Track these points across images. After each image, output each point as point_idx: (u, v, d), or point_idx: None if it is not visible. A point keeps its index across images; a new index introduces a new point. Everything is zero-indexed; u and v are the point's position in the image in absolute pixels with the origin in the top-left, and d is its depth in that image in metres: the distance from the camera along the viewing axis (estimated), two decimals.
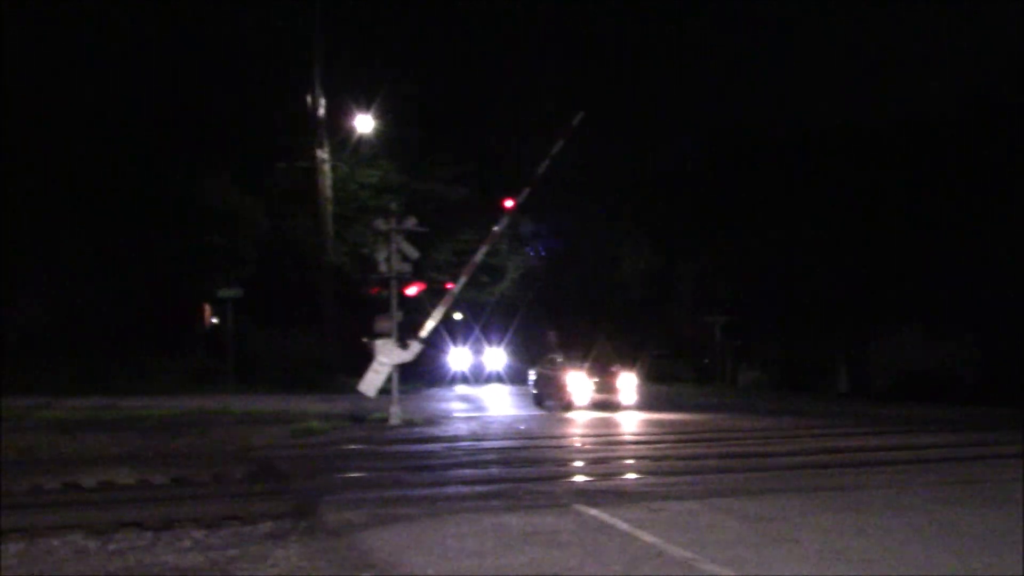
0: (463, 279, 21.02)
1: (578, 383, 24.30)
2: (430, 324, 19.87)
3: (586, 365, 25.06)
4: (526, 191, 20.68)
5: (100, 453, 14.42)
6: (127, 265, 31.44)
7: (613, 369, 25.37)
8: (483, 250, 20.95)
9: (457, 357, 38.90)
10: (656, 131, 43.21)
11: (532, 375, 28.30)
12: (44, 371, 26.98)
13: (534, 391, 27.77)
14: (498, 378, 39.02)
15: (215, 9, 31.42)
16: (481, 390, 33.83)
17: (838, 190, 33.68)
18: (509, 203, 21.36)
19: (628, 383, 24.86)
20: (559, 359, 26.35)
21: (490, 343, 41.07)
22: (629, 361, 27.37)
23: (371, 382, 19.26)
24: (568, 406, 24.08)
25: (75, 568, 7.35)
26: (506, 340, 41.26)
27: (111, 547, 8.12)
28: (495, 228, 21.19)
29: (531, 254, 40.05)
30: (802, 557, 7.05)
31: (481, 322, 39.41)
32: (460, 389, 33.89)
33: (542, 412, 24.74)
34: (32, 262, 32.05)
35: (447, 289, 20.92)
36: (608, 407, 24.19)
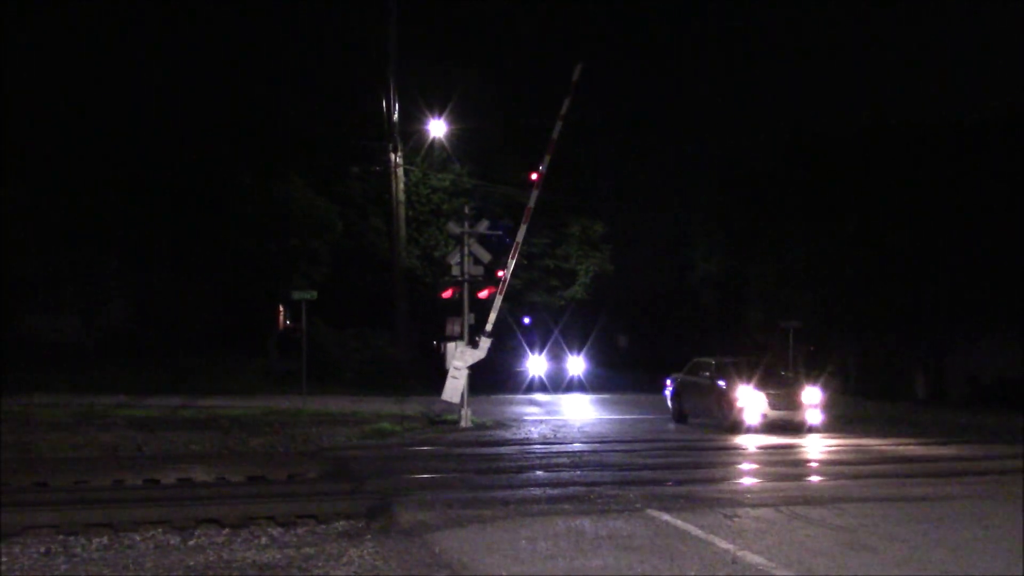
0: (511, 262, 20.53)
1: (749, 397, 19.26)
2: (492, 316, 19.79)
3: (757, 374, 19.93)
4: (547, 158, 20.24)
5: (179, 451, 14.74)
6: (206, 268, 32.14)
7: (792, 379, 20.82)
8: (523, 229, 20.44)
9: (535, 363, 35.91)
10: (729, 133, 42.75)
11: (669, 384, 22.82)
12: (127, 370, 27.71)
13: (673, 403, 22.43)
14: (580, 385, 35.78)
15: (292, 16, 32.04)
16: (561, 397, 31.18)
17: (918, 192, 32.91)
18: (534, 176, 20.73)
19: (814, 398, 19.74)
20: (715, 363, 21.24)
21: (570, 349, 37.77)
22: (811, 370, 23.87)
23: (453, 388, 19.30)
24: (734, 426, 19.13)
25: (156, 562, 7.52)
26: (587, 346, 38.54)
27: (191, 543, 8.31)
28: (528, 205, 20.52)
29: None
30: (880, 567, 6.91)
31: (559, 327, 37.59)
32: (538, 396, 31.36)
33: (677, 426, 21.38)
34: (116, 265, 33.04)
35: (498, 277, 20.46)
36: (789, 428, 19.30)
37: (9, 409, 18.95)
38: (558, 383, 35.12)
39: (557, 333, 36.99)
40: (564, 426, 20.38)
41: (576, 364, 37.11)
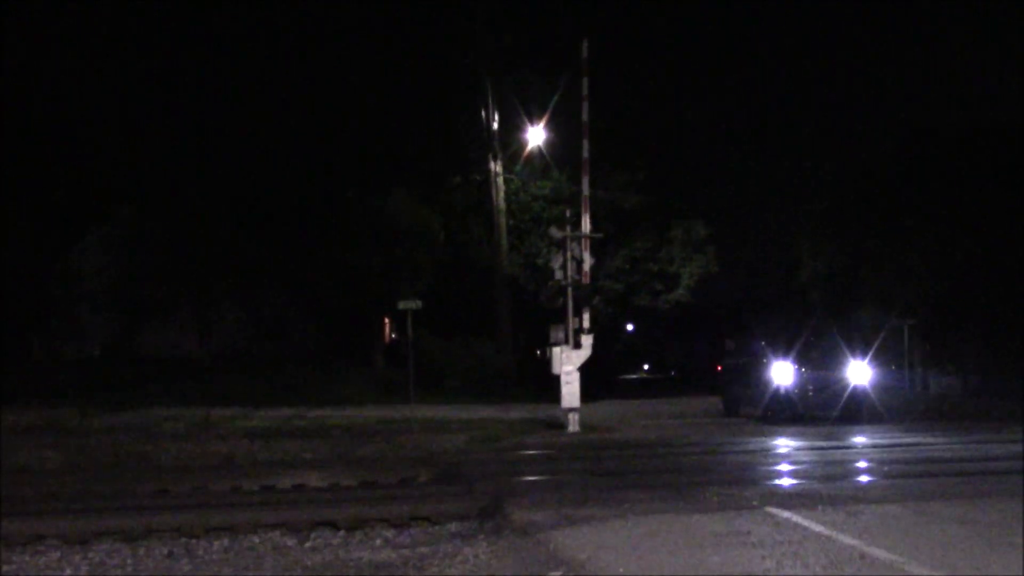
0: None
1: None
2: (587, 314, 19.73)
3: None
4: (585, 143, 20.05)
5: (292, 459, 14.98)
6: (314, 282, 32.80)
7: None
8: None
9: (780, 372, 21.53)
10: (839, 130, 41.62)
11: None
12: (240, 383, 28.41)
13: None
14: (870, 409, 21.76)
15: (392, 28, 32.44)
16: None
17: None
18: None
19: None
20: None
21: (852, 351, 22.16)
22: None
23: (571, 394, 19.20)
24: None
25: (275, 563, 7.63)
26: (870, 350, 23.85)
27: (307, 544, 8.41)
28: (584, 194, 20.16)
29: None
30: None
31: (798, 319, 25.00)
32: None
33: None
34: (230, 283, 34.04)
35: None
36: None
37: (131, 422, 19.61)
38: (828, 403, 21.40)
39: (796, 326, 23.44)
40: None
41: (859, 371, 21.74)
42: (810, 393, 21.38)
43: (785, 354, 21.75)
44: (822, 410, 21.26)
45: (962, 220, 33.75)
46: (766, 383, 21.69)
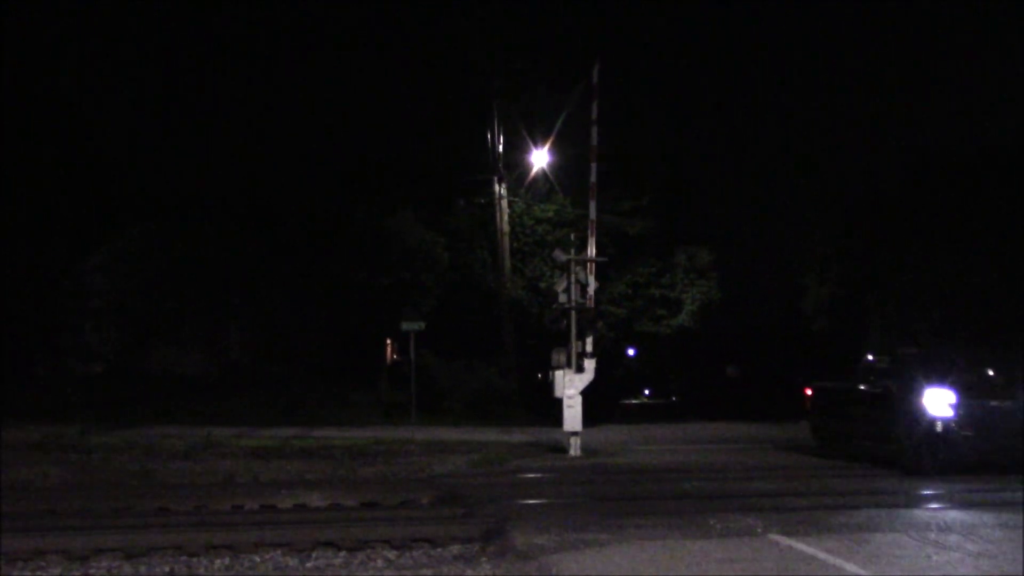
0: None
1: None
2: (590, 339, 19.64)
3: None
4: (593, 167, 20.04)
5: (294, 479, 14.94)
6: (319, 302, 32.82)
7: None
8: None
9: (936, 401, 15.57)
10: (845, 156, 41.61)
11: None
12: (244, 401, 28.37)
13: None
14: None
15: (397, 50, 32.63)
16: None
17: None
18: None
19: None
20: None
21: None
22: None
23: (573, 418, 19.10)
24: None
25: None
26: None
27: (309, 564, 8.38)
28: (591, 218, 19.99)
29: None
30: None
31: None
32: None
33: None
34: (235, 302, 34.10)
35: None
36: None
37: (133, 440, 19.57)
38: (993, 448, 15.65)
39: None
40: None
41: None
42: (972, 432, 15.49)
43: (941, 378, 15.98)
44: (996, 455, 15.54)
45: (972, 246, 33.71)
46: (912, 417, 15.69)
